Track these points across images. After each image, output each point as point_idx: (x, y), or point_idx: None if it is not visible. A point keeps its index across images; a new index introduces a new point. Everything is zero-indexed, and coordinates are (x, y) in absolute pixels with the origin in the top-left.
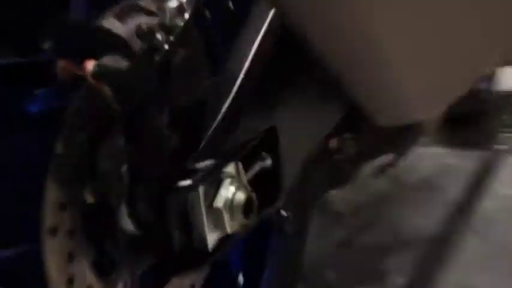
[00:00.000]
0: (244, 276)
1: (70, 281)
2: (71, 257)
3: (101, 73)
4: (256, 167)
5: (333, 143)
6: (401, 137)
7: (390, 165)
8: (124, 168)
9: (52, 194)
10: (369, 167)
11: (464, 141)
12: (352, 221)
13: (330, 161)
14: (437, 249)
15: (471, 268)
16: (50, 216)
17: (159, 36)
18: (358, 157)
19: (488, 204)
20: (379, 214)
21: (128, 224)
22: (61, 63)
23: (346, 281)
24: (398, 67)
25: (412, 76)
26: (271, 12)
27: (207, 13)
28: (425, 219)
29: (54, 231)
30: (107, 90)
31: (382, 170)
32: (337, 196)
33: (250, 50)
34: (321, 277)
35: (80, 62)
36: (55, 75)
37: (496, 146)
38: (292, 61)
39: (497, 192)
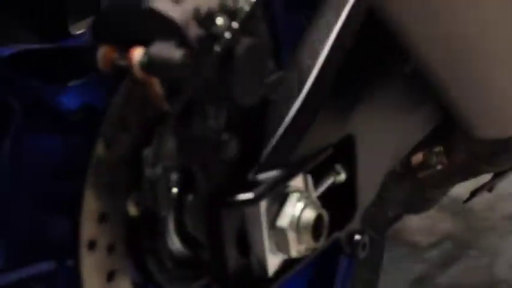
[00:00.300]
0: None
1: None
2: (111, 276)
3: (150, 64)
4: (328, 181)
5: (417, 157)
6: (503, 154)
7: (485, 187)
8: (174, 176)
9: (91, 203)
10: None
11: None
12: (432, 255)
13: (411, 180)
14: None
15: None
16: (88, 227)
17: (220, 21)
18: (447, 177)
19: None
20: (466, 247)
21: (175, 241)
22: (102, 51)
23: None
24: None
25: None
26: None
27: None
28: None
29: (93, 245)
30: (156, 84)
31: (475, 193)
32: (415, 223)
33: (328, 38)
34: None
35: (125, 49)
36: (93, 64)
37: None
38: (377, 54)
39: None
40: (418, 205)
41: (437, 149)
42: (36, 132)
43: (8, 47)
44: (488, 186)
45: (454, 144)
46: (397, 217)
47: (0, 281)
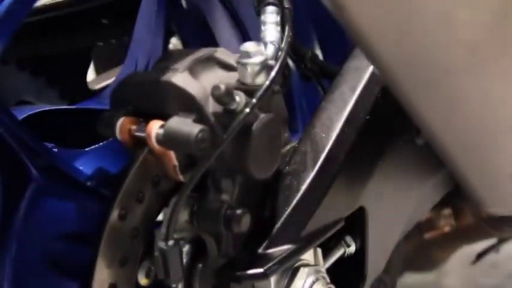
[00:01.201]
0: None
1: None
2: None
3: (168, 138)
4: (337, 254)
5: (427, 218)
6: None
7: (492, 249)
8: (186, 248)
9: (103, 273)
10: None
11: None
12: None
13: (417, 239)
14: None
15: None
16: None
17: (238, 97)
18: (454, 238)
19: None
20: None
21: None
22: (121, 121)
23: None
24: None
25: None
26: (370, 70)
27: (291, 66)
28: None
29: None
30: (172, 157)
31: (481, 255)
32: (420, 278)
33: (343, 114)
34: None
35: (143, 121)
36: (111, 132)
37: None
38: (390, 127)
39: None
40: (423, 264)
41: (446, 211)
42: (51, 196)
43: (26, 108)
44: (495, 248)
45: (463, 208)
46: (400, 273)
47: None
